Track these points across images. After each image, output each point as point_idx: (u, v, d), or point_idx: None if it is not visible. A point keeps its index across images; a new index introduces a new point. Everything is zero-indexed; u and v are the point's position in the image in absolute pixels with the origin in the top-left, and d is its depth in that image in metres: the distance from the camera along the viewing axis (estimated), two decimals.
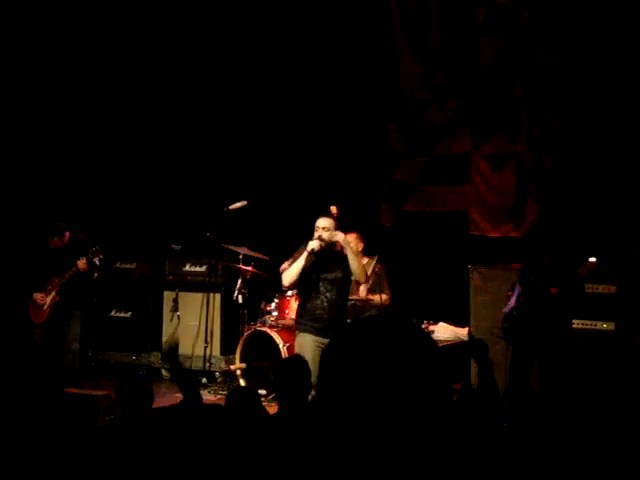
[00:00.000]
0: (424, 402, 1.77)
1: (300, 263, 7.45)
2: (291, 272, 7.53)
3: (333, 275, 7.53)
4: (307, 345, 7.36)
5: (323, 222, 7.50)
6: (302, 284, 7.63)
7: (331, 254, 7.53)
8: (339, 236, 7.44)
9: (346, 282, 7.63)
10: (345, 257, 7.49)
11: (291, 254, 8.53)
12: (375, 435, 1.76)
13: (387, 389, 1.76)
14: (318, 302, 7.52)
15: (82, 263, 8.58)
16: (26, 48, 10.49)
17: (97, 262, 8.81)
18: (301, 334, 7.56)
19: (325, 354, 1.87)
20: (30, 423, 4.22)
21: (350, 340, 1.84)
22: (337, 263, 7.54)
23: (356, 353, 1.80)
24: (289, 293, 8.97)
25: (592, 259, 7.34)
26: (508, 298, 8.05)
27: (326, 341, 7.41)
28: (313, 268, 7.52)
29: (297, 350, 7.45)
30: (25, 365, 4.77)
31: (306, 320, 7.57)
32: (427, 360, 1.80)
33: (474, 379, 8.88)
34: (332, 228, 7.45)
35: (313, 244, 7.40)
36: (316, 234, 7.46)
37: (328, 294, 7.51)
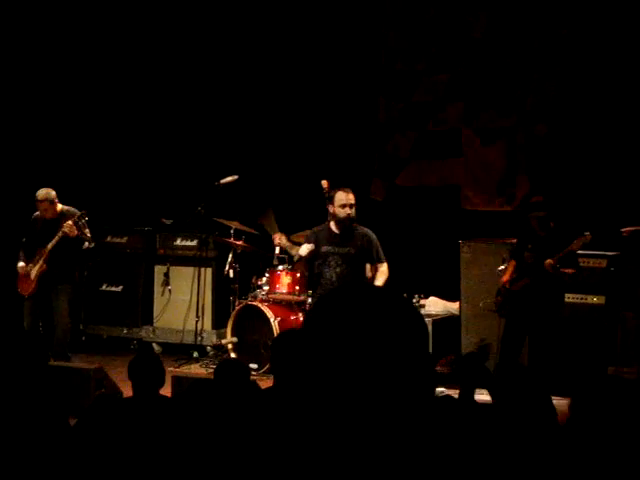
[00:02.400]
0: (407, 373, 1.77)
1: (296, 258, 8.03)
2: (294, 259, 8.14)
3: (345, 250, 7.63)
4: None
5: (351, 197, 7.69)
6: (316, 257, 7.81)
7: (345, 230, 7.63)
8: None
9: (357, 259, 7.71)
10: (358, 235, 7.69)
11: (282, 228, 8.67)
12: (357, 407, 1.76)
13: (367, 357, 1.75)
14: (328, 276, 7.68)
15: (68, 225, 8.41)
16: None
17: (87, 232, 8.69)
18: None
19: (307, 317, 1.88)
20: (12, 396, 4.21)
21: (334, 306, 1.83)
22: (350, 239, 7.63)
23: (339, 321, 1.79)
24: (280, 267, 8.97)
25: (586, 233, 7.35)
26: (499, 273, 8.07)
27: None
28: (326, 242, 7.62)
29: None
30: (10, 338, 4.72)
31: (319, 293, 7.79)
32: (411, 330, 1.80)
33: (464, 350, 8.90)
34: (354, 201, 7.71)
35: (301, 252, 7.80)
36: (343, 211, 7.58)
37: (338, 269, 7.64)
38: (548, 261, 7.33)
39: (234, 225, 9.41)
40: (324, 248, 7.70)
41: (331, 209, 7.73)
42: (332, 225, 7.76)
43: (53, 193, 8.69)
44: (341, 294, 1.93)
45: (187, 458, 3.91)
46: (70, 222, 8.40)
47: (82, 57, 10.84)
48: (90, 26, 10.78)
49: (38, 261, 8.68)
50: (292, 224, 9.21)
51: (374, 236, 7.89)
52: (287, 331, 6.46)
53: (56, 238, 8.51)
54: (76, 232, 8.48)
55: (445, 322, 9.21)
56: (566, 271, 7.40)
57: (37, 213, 8.76)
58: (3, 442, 3.96)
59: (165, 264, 10.31)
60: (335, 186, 8.35)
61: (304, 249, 7.73)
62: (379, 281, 7.76)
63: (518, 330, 7.65)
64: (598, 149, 9.14)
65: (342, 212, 7.61)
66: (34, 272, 8.68)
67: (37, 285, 8.70)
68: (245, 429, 4.00)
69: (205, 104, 10.85)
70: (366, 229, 7.89)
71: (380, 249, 7.88)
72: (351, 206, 7.62)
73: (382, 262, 7.86)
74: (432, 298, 9.52)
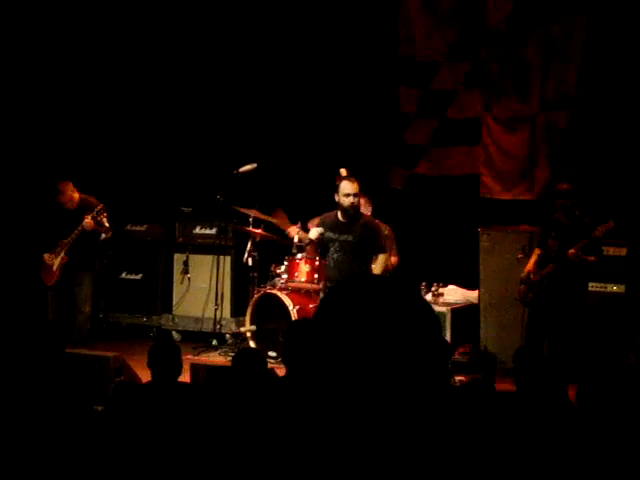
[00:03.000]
0: (419, 362, 1.77)
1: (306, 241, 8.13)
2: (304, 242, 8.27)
3: (344, 237, 7.67)
4: None
5: (355, 187, 7.69)
6: (322, 245, 7.92)
7: (350, 218, 7.66)
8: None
9: (357, 247, 7.71)
10: (361, 223, 7.69)
11: (300, 217, 8.71)
12: (367, 395, 1.76)
13: (377, 347, 1.76)
14: (328, 263, 7.78)
15: (87, 221, 8.61)
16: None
17: (106, 222, 8.83)
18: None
19: (320, 305, 1.89)
20: (30, 383, 4.24)
21: (346, 294, 1.84)
22: (351, 227, 7.66)
23: (350, 308, 1.80)
24: (299, 255, 8.98)
25: (609, 221, 7.33)
26: (518, 261, 8.04)
27: None
28: (330, 229, 7.71)
29: None
30: (35, 328, 4.75)
31: (324, 281, 8.00)
32: (420, 320, 1.80)
33: (483, 340, 8.90)
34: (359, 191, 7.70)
35: (311, 235, 7.79)
36: (347, 200, 7.62)
37: (335, 255, 7.71)
38: (571, 250, 7.32)
39: (253, 213, 9.41)
40: (327, 234, 7.76)
41: (336, 198, 7.76)
42: (339, 213, 7.80)
43: (71, 185, 8.85)
44: (351, 285, 1.93)
45: (204, 445, 3.92)
46: (89, 218, 8.57)
47: (100, 48, 10.87)
48: (107, 18, 10.81)
49: (60, 252, 8.85)
50: (310, 212, 9.21)
51: (376, 225, 7.90)
52: (298, 321, 6.50)
53: (75, 232, 8.69)
54: (94, 226, 8.64)
55: (464, 311, 9.20)
56: (588, 258, 7.39)
57: (57, 200, 8.89)
58: (21, 430, 3.99)
59: (184, 252, 10.35)
60: (354, 174, 8.37)
61: (314, 232, 7.79)
62: (375, 271, 7.76)
63: (542, 318, 7.64)
64: (619, 136, 9.08)
65: (346, 201, 7.66)
66: (56, 263, 8.88)
67: (60, 275, 8.88)
68: (261, 416, 4.02)
69: (224, 92, 10.85)
70: (371, 218, 7.92)
71: (381, 239, 7.86)
72: (355, 195, 7.65)
73: (382, 252, 7.84)
74: (451, 286, 9.50)
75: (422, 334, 1.83)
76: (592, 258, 7.44)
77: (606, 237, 7.63)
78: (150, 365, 4.88)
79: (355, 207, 7.69)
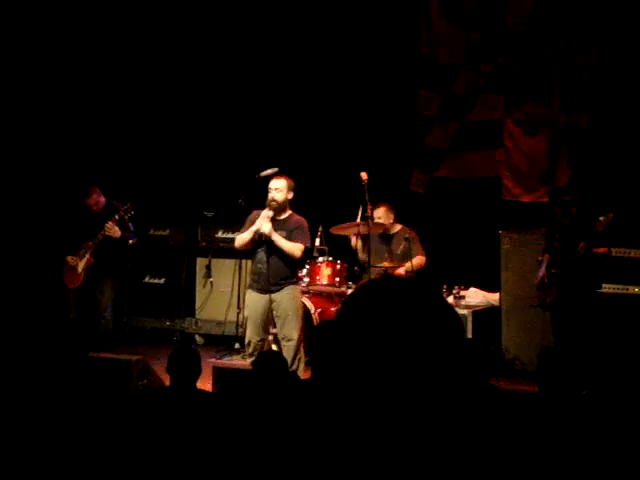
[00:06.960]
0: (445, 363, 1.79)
1: (250, 234, 7.67)
2: (243, 237, 7.77)
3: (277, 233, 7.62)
4: (250, 301, 7.69)
5: (275, 183, 7.70)
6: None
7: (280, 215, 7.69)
8: (265, 227, 7.54)
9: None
10: (291, 223, 7.65)
11: (321, 222, 8.67)
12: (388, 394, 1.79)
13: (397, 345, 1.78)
14: (257, 258, 7.70)
15: (110, 224, 8.66)
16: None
17: (131, 226, 8.90)
18: (248, 291, 7.86)
19: (343, 304, 1.91)
20: (53, 386, 4.28)
21: (369, 295, 1.86)
22: (282, 225, 7.65)
23: (372, 308, 1.82)
24: (320, 259, 9.01)
25: (608, 214, 7.41)
26: (539, 263, 8.07)
27: (267, 297, 7.52)
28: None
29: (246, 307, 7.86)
30: (56, 328, 4.80)
31: (250, 277, 7.90)
32: (444, 320, 1.82)
33: (504, 343, 8.90)
34: (283, 188, 7.65)
35: (259, 225, 7.57)
36: (269, 195, 7.67)
37: (265, 252, 7.62)
38: (582, 244, 7.41)
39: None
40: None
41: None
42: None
43: (97, 189, 8.94)
44: (372, 286, 1.96)
45: (224, 450, 3.96)
46: (111, 223, 8.62)
47: (122, 53, 10.97)
48: (133, 25, 10.90)
49: (84, 255, 8.88)
50: (331, 216, 9.23)
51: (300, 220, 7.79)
52: (324, 323, 6.53)
53: (100, 235, 8.73)
54: (119, 233, 8.69)
55: (485, 313, 9.20)
56: (598, 251, 7.47)
57: (84, 203, 8.98)
58: (46, 431, 4.04)
59: (207, 256, 10.41)
60: (374, 178, 8.38)
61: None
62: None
63: (563, 320, 7.68)
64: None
65: (268, 196, 7.70)
66: (81, 265, 8.89)
67: (84, 278, 8.92)
68: (283, 420, 4.05)
69: (245, 97, 10.91)
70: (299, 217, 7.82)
71: (301, 232, 7.72)
72: (276, 189, 7.68)
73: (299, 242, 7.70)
74: (472, 289, 9.51)
75: (446, 335, 1.85)
76: (602, 250, 7.53)
77: (625, 239, 7.68)
78: (169, 371, 4.90)
79: (275, 201, 7.61)
